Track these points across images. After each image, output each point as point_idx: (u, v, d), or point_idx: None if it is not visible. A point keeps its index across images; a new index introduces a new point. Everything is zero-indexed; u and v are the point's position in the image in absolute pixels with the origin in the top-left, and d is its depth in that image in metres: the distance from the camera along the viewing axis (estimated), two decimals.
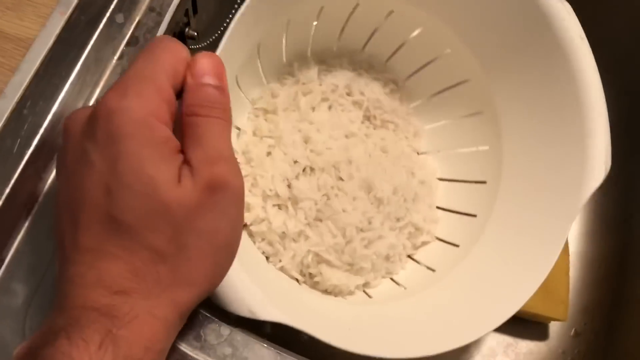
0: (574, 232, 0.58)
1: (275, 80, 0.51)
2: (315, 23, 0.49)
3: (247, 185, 0.46)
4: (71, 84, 0.41)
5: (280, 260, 0.44)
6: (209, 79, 0.31)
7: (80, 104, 0.41)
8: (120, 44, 0.43)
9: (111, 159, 0.27)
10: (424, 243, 0.49)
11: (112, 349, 0.25)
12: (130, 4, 0.44)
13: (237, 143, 0.47)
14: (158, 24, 0.45)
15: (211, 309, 0.37)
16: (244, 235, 0.45)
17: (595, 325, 0.54)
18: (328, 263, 0.45)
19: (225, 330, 0.36)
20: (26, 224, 0.38)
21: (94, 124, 0.28)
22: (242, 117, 0.49)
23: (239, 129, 0.48)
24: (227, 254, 0.31)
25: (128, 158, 0.27)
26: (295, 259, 0.45)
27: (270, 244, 0.45)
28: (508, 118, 0.47)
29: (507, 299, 0.39)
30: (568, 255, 0.54)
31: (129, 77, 0.29)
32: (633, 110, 0.60)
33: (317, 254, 0.45)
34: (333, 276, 0.44)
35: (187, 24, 0.49)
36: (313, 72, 0.51)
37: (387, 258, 0.47)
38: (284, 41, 0.49)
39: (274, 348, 0.36)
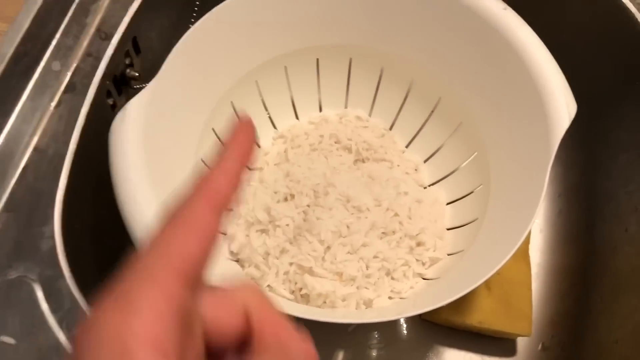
0: (536, 244, 0.57)
1: (267, 142, 0.55)
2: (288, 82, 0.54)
3: (233, 219, 0.48)
4: (7, 134, 0.42)
5: (266, 280, 0.45)
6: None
7: (18, 152, 0.42)
8: (57, 91, 0.44)
9: None
10: (434, 260, 0.49)
11: None
12: (66, 51, 0.45)
13: None
14: (96, 68, 0.45)
15: None
16: (234, 264, 0.46)
17: (562, 338, 0.53)
18: (310, 272, 0.45)
19: None
20: None
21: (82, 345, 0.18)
22: None
23: None
24: None
25: None
26: (280, 275, 0.45)
27: (257, 266, 0.46)
28: (483, 120, 0.49)
29: (506, 241, 0.39)
30: (530, 269, 0.53)
31: (130, 274, 0.19)
32: (591, 118, 0.60)
33: (299, 266, 0.45)
34: (317, 284, 0.44)
35: (130, 65, 0.50)
36: (300, 129, 0.55)
37: (389, 274, 0.47)
38: (262, 104, 0.54)
39: None
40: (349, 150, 0.53)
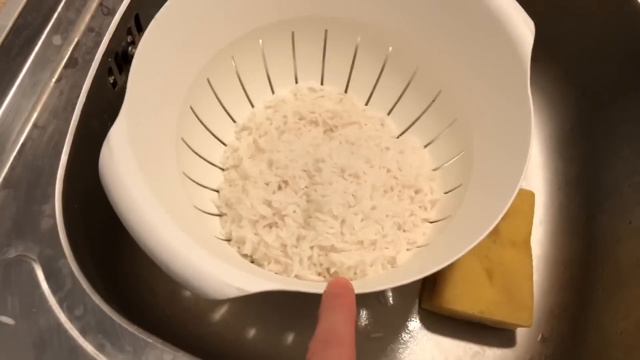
0: (536, 236, 0.57)
1: (230, 137, 0.53)
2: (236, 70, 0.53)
3: (234, 223, 0.46)
4: (6, 108, 0.40)
5: (292, 271, 0.44)
6: None
7: (17, 127, 0.41)
8: (58, 66, 0.43)
9: None
10: (434, 202, 0.49)
11: None
12: (67, 25, 0.44)
13: (219, 199, 0.49)
14: (97, 44, 0.44)
15: (153, 332, 0.37)
16: (254, 267, 0.45)
17: (562, 330, 0.53)
18: (334, 249, 0.45)
19: (168, 355, 0.36)
20: None
21: None
22: (219, 180, 0.51)
23: (218, 191, 0.50)
24: None
25: None
26: (304, 262, 0.44)
27: (277, 261, 0.45)
28: (443, 60, 0.50)
29: (507, 172, 0.40)
30: (531, 260, 0.53)
31: None
32: (594, 111, 0.60)
33: (321, 247, 0.45)
34: (344, 257, 0.44)
35: (132, 43, 0.49)
36: (260, 115, 0.53)
37: (401, 228, 0.47)
38: (218, 100, 0.52)
39: None
40: (316, 123, 0.53)
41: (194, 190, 0.46)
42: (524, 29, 0.43)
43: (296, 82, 0.56)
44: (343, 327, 0.30)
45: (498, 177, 0.41)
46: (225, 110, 0.53)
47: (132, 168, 0.35)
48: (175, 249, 0.33)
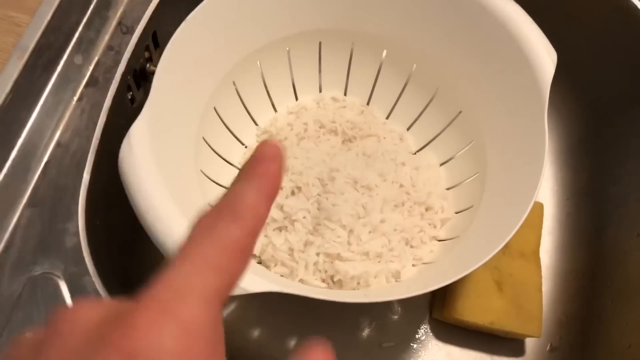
0: (544, 246, 0.58)
1: (253, 141, 0.55)
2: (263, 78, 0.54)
3: None
4: (30, 128, 0.41)
5: (297, 275, 0.45)
6: None
7: (41, 146, 0.42)
8: (79, 85, 0.44)
9: None
10: (444, 221, 0.50)
11: None
12: (88, 45, 0.45)
13: None
14: (117, 62, 0.45)
15: None
16: (260, 268, 0.46)
17: (570, 339, 0.54)
18: (339, 258, 0.46)
19: None
20: None
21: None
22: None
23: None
24: None
25: None
26: (309, 267, 0.45)
27: (283, 264, 0.46)
28: (466, 80, 0.50)
29: (519, 194, 0.41)
30: (540, 270, 0.54)
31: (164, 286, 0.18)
32: (600, 124, 0.60)
33: (327, 254, 0.46)
34: (349, 267, 0.45)
35: (149, 59, 0.50)
36: (282, 120, 0.55)
37: (408, 243, 0.48)
38: (242, 103, 0.53)
39: None
40: (335, 132, 0.54)
41: (210, 188, 0.48)
42: (545, 58, 0.43)
43: (320, 91, 0.57)
44: (250, 198, 0.22)
45: (508, 201, 0.42)
46: (248, 113, 0.54)
47: (150, 165, 0.37)
48: (177, 238, 0.34)
